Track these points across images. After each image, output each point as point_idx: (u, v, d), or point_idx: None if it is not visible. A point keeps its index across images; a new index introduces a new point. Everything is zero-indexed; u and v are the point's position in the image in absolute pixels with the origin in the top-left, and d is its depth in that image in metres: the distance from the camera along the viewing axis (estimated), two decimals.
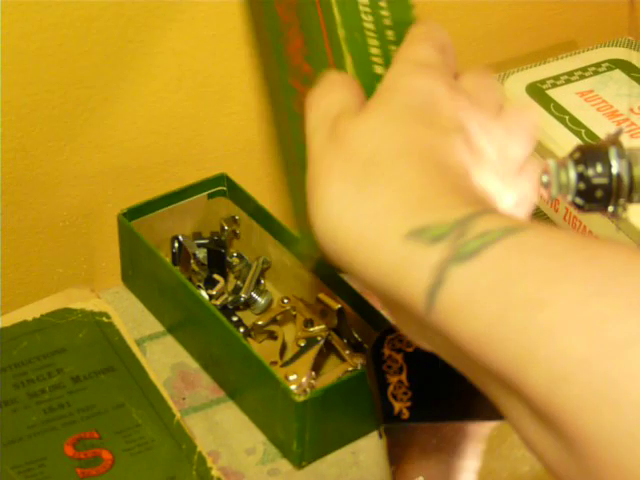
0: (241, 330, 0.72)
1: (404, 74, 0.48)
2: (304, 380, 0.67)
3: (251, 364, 0.66)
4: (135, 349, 0.71)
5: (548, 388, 0.36)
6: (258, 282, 0.76)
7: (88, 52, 0.77)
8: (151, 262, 0.73)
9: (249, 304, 0.76)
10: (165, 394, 0.68)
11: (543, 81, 0.82)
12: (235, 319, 0.73)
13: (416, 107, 0.47)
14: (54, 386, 0.68)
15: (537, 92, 0.81)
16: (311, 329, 0.72)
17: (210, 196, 0.78)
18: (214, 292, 0.74)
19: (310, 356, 0.69)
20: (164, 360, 0.71)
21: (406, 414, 0.60)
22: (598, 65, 0.83)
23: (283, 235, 0.73)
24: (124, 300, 0.75)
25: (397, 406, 0.61)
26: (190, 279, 0.74)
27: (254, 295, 0.75)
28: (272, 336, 0.72)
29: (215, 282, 0.75)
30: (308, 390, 0.66)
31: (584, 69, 0.83)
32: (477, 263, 0.40)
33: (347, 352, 0.71)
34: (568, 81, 0.82)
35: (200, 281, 0.75)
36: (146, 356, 0.71)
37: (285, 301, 0.74)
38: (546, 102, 0.80)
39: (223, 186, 0.78)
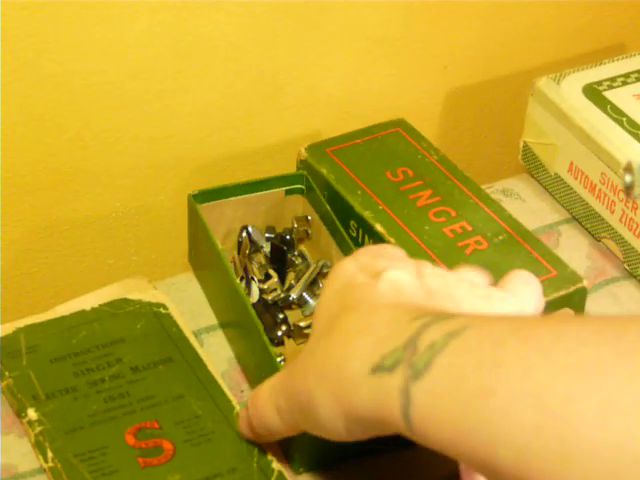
0: (283, 329, 0.72)
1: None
2: None
3: (269, 368, 0.64)
4: (193, 340, 0.71)
5: (515, 461, 0.41)
6: (314, 283, 0.75)
7: (147, 45, 0.77)
8: (207, 246, 0.72)
9: (300, 304, 0.75)
10: (224, 386, 0.68)
11: (599, 83, 0.82)
12: (281, 316, 0.73)
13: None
14: (113, 376, 0.68)
15: (594, 94, 0.81)
16: None
17: (287, 193, 0.77)
18: (265, 287, 0.74)
19: None
20: (221, 352, 0.71)
21: None
22: None
23: (344, 244, 0.73)
24: (180, 292, 0.75)
25: None
26: (245, 270, 0.74)
27: (305, 295, 0.75)
28: None
29: (269, 277, 0.75)
30: None
31: None
32: (431, 375, 0.45)
33: None
34: (625, 83, 0.82)
35: (261, 275, 0.75)
36: (203, 348, 0.71)
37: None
38: (603, 104, 0.80)
39: (301, 184, 0.76)
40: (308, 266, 0.76)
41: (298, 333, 0.72)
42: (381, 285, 0.53)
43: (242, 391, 0.69)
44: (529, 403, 0.40)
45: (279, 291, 0.74)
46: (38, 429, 0.65)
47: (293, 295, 0.74)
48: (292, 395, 0.55)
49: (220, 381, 0.69)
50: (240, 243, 0.76)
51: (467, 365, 0.43)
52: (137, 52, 0.77)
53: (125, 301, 0.73)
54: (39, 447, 0.64)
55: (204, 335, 0.73)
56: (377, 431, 0.50)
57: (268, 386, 0.58)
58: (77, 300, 0.73)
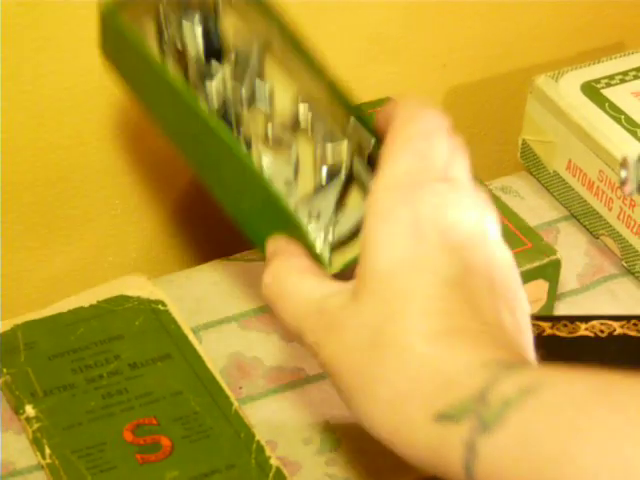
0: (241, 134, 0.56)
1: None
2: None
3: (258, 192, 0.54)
4: (191, 337, 0.71)
5: None
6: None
7: None
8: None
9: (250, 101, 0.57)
10: (222, 383, 0.68)
11: (597, 80, 0.82)
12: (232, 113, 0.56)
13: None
14: (112, 372, 0.68)
15: (592, 91, 0.81)
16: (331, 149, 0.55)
17: None
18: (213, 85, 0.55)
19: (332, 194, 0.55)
20: (220, 349, 0.72)
21: None
22: None
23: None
24: (178, 289, 0.75)
25: None
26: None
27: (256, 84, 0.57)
28: (282, 147, 0.56)
29: (212, 73, 0.56)
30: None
31: (638, 69, 0.83)
32: (502, 431, 0.41)
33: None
34: (623, 81, 0.82)
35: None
36: (202, 345, 0.71)
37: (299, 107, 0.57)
38: (601, 101, 0.80)
39: None
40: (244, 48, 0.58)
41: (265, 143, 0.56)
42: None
43: (240, 387, 0.69)
44: (614, 476, 0.37)
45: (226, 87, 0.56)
46: (36, 425, 0.65)
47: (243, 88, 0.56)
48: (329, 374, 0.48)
49: (218, 378, 0.69)
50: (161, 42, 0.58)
51: (544, 426, 0.40)
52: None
53: (123, 298, 0.73)
54: (37, 443, 0.64)
55: (202, 332, 0.73)
56: (426, 468, 0.45)
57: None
58: (75, 297, 0.73)
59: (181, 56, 0.57)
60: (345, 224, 0.54)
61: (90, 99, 0.77)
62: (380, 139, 0.52)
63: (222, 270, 0.77)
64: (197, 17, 0.58)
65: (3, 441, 0.66)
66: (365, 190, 0.54)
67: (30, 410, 0.66)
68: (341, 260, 0.53)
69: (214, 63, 0.57)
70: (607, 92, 0.81)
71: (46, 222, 0.80)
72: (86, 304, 0.73)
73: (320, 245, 0.52)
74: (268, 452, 0.64)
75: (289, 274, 0.50)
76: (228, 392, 0.68)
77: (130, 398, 0.67)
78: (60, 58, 0.74)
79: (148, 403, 0.67)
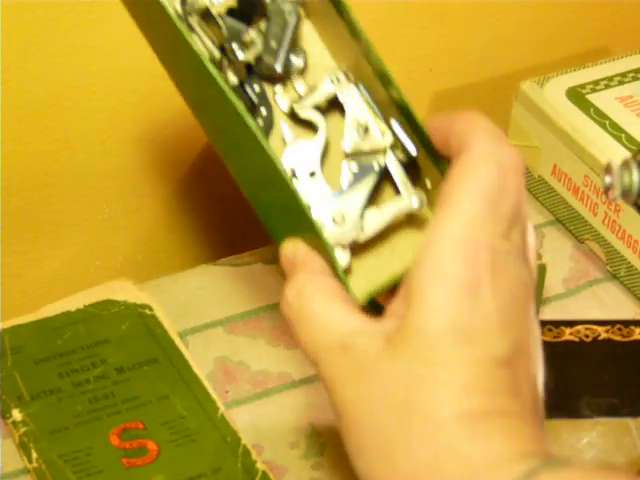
0: (263, 112, 0.52)
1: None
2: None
3: (274, 180, 0.49)
4: (178, 342, 0.71)
5: None
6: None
7: (133, 46, 0.77)
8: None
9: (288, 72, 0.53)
10: (208, 387, 0.68)
11: (583, 86, 0.82)
12: (257, 89, 0.53)
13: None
14: (98, 376, 0.69)
15: (577, 97, 0.81)
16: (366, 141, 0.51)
17: None
18: (242, 45, 0.52)
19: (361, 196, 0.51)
20: (206, 353, 0.72)
21: None
22: (637, 71, 0.84)
23: None
24: (165, 293, 0.75)
25: None
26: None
27: (293, 58, 0.53)
28: (310, 127, 0.52)
29: (241, 33, 0.52)
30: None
31: (623, 75, 0.83)
32: None
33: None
34: (608, 86, 0.82)
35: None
36: (188, 349, 0.71)
37: (336, 77, 0.52)
38: (586, 107, 0.80)
39: None
40: (282, 16, 0.53)
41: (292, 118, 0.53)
42: None
43: (227, 392, 0.70)
44: None
45: (258, 47, 0.52)
46: (22, 430, 0.65)
47: (277, 65, 0.52)
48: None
49: (205, 382, 0.69)
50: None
51: None
52: (123, 54, 0.77)
53: (110, 302, 0.73)
54: (23, 448, 0.64)
55: (189, 336, 0.73)
56: None
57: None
58: (62, 301, 0.73)
59: (207, 15, 0.52)
60: (370, 230, 0.50)
61: (76, 104, 0.77)
62: (426, 145, 0.49)
63: (208, 275, 0.77)
64: None
65: None
66: (398, 193, 0.51)
67: (17, 414, 0.66)
68: (366, 284, 0.50)
69: (241, 27, 0.52)
70: (592, 97, 0.81)
71: (33, 227, 0.80)
72: (73, 308, 0.73)
73: (343, 262, 0.49)
74: (254, 456, 0.65)
75: (315, 295, 0.47)
76: (214, 396, 0.68)
77: (116, 402, 0.67)
78: (46, 63, 0.74)
79: (134, 407, 0.67)
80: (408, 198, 0.50)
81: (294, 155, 0.51)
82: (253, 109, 0.52)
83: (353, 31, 0.51)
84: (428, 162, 0.50)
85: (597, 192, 0.77)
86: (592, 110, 0.80)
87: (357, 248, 0.50)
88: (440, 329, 0.42)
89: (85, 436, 0.65)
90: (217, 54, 0.52)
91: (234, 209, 0.87)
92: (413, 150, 0.50)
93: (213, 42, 0.52)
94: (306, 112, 0.52)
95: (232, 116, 0.49)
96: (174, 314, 0.74)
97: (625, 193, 0.50)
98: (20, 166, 0.78)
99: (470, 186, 0.44)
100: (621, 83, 0.83)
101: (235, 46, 0.51)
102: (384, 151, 0.51)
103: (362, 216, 0.50)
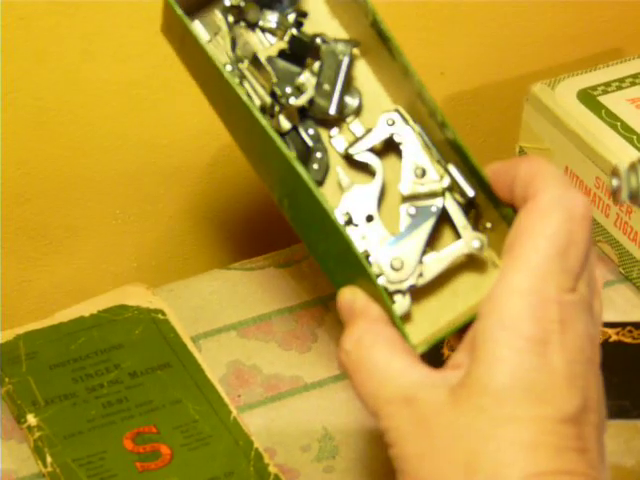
0: (318, 155, 0.51)
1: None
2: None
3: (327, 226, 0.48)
4: (190, 346, 0.71)
5: None
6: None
7: (145, 52, 0.78)
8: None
9: (342, 114, 0.53)
10: (221, 391, 0.69)
11: (594, 87, 0.82)
12: (311, 132, 0.52)
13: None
14: (112, 381, 0.69)
15: (588, 98, 0.81)
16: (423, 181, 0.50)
17: None
18: (294, 87, 0.51)
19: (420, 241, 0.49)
20: (219, 357, 0.72)
21: None
22: None
23: None
24: (178, 298, 0.76)
25: None
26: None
27: (347, 99, 0.53)
28: (366, 170, 0.51)
29: (293, 75, 0.52)
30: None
31: (635, 76, 0.83)
32: None
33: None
34: (619, 88, 0.82)
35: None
36: (201, 353, 0.72)
37: (391, 118, 0.51)
38: (597, 109, 0.80)
39: None
40: (335, 57, 0.52)
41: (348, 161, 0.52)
42: None
43: (239, 396, 0.70)
44: None
45: (311, 91, 0.51)
46: (37, 434, 0.66)
47: (332, 108, 0.51)
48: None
49: (217, 386, 0.69)
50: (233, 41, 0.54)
51: None
52: (136, 60, 0.78)
53: (123, 307, 0.74)
54: (38, 452, 0.65)
55: (202, 340, 0.73)
56: None
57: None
58: (76, 307, 0.74)
59: (257, 60, 0.53)
60: (430, 275, 0.49)
61: (89, 111, 0.78)
62: (483, 185, 0.48)
63: (221, 279, 0.78)
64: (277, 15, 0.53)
65: (5, 450, 0.66)
66: (457, 236, 0.50)
67: (31, 419, 0.67)
68: (428, 328, 0.49)
69: (294, 69, 0.52)
70: (603, 99, 0.81)
71: (47, 233, 0.81)
72: (87, 314, 0.73)
73: (402, 308, 0.48)
74: (267, 459, 0.65)
75: (374, 345, 0.46)
76: (227, 400, 0.68)
77: (130, 407, 0.68)
78: (60, 70, 0.75)
79: (148, 412, 0.67)
80: (468, 240, 0.50)
81: (351, 200, 0.50)
82: (308, 153, 0.52)
83: (405, 72, 0.51)
84: (487, 202, 0.50)
85: (609, 194, 0.77)
86: (603, 112, 0.80)
87: (417, 291, 0.49)
88: (507, 385, 0.42)
89: (99, 440, 0.66)
90: (268, 100, 0.52)
91: (247, 214, 0.88)
92: (471, 192, 0.50)
93: (264, 87, 0.52)
94: (362, 155, 0.51)
95: (284, 165, 0.48)
96: (187, 318, 0.74)
97: (632, 195, 0.50)
98: (34, 173, 0.78)
99: (538, 236, 0.43)
100: (633, 84, 0.83)
101: (288, 90, 0.51)
102: (442, 193, 0.51)
103: (421, 261, 0.49)
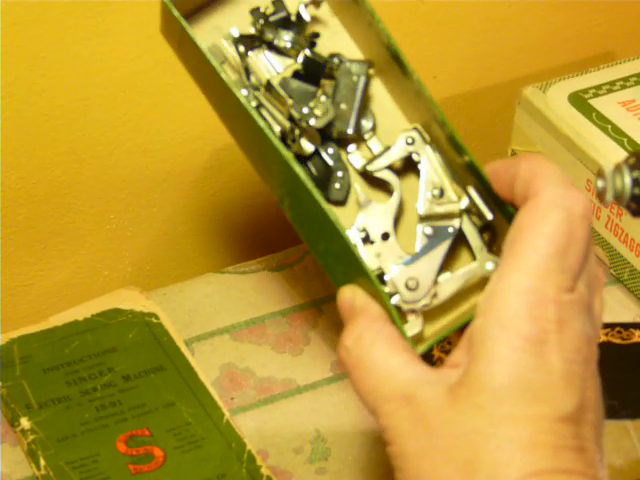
0: (339, 175, 0.53)
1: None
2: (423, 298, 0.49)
3: (336, 239, 0.49)
4: (184, 349, 0.72)
5: None
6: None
7: (138, 58, 0.78)
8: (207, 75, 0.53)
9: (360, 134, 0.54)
10: (214, 394, 0.69)
11: (585, 91, 0.83)
12: (331, 151, 0.53)
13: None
14: (105, 384, 0.69)
15: (579, 101, 0.82)
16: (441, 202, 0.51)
17: None
18: (312, 108, 0.52)
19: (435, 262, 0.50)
20: (212, 361, 0.72)
21: None
22: (639, 75, 0.84)
23: None
24: (172, 302, 0.76)
25: None
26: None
27: (364, 122, 0.54)
28: (383, 187, 0.52)
29: (309, 96, 0.52)
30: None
31: (626, 79, 0.84)
32: None
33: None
34: (610, 91, 0.83)
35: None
36: (194, 356, 0.72)
37: (411, 137, 0.51)
38: (588, 111, 0.81)
39: None
40: (350, 77, 0.53)
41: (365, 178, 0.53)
42: None
43: (232, 398, 0.70)
44: None
45: (331, 112, 0.52)
46: (31, 437, 0.66)
47: (350, 127, 0.52)
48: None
49: (210, 389, 0.70)
50: (247, 70, 0.55)
51: None
52: (128, 66, 0.78)
53: (117, 311, 0.74)
54: (32, 455, 0.65)
55: (195, 344, 0.74)
56: None
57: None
58: (70, 311, 0.74)
59: (271, 88, 0.53)
60: (444, 296, 0.50)
61: (83, 116, 0.78)
62: (501, 207, 0.48)
63: (215, 283, 0.78)
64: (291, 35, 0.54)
65: None
66: (472, 256, 0.50)
67: (25, 422, 0.67)
68: (430, 336, 0.50)
69: (309, 88, 0.52)
70: (595, 102, 0.82)
71: (42, 237, 0.81)
72: (80, 318, 0.74)
73: (415, 329, 0.49)
74: (259, 461, 0.65)
75: (374, 342, 0.46)
76: (220, 403, 0.69)
77: (123, 410, 0.68)
78: (53, 76, 0.76)
79: (141, 414, 0.68)
80: (483, 262, 0.50)
81: (368, 216, 0.51)
82: (329, 173, 0.52)
83: (419, 94, 0.51)
84: (504, 224, 0.50)
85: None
86: (594, 115, 0.81)
87: (428, 311, 0.50)
88: (505, 385, 0.42)
89: (92, 443, 0.66)
90: (287, 125, 0.52)
91: (240, 218, 0.88)
92: (490, 215, 0.50)
93: (282, 112, 0.52)
94: (381, 173, 0.52)
95: (282, 166, 0.49)
96: (180, 322, 0.75)
97: (617, 196, 0.51)
98: (29, 177, 0.79)
99: (538, 235, 0.43)
100: (623, 87, 0.83)
101: (305, 111, 0.51)
102: (459, 215, 0.51)
103: (436, 281, 0.49)
